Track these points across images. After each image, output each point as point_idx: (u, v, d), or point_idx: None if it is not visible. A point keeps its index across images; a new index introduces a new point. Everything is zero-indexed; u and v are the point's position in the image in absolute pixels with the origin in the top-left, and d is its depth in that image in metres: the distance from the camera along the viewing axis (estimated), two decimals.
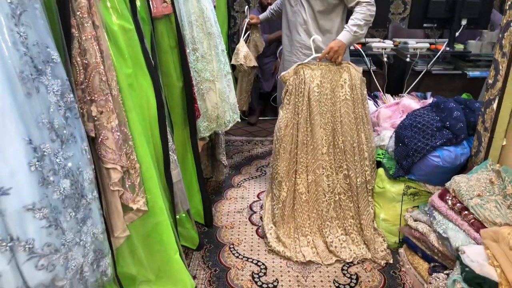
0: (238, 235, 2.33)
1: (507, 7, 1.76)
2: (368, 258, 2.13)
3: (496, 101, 1.81)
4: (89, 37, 0.99)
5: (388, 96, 3.06)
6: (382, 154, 2.34)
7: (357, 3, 2.26)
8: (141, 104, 1.14)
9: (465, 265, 1.50)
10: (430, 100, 2.96)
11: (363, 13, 2.24)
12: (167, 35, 1.38)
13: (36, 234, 0.84)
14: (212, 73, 1.94)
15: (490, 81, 1.87)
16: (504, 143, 1.85)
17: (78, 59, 0.99)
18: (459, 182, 1.83)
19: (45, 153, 0.84)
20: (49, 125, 0.85)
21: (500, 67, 1.79)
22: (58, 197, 0.88)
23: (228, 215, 2.52)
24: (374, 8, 2.26)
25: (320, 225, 2.26)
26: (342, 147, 2.21)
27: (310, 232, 2.25)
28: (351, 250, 2.17)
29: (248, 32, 3.04)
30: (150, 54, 1.20)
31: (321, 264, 2.10)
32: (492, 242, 1.49)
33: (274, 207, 2.31)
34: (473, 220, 1.70)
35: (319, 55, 2.21)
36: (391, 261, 2.11)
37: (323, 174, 2.22)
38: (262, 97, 4.24)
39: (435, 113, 2.17)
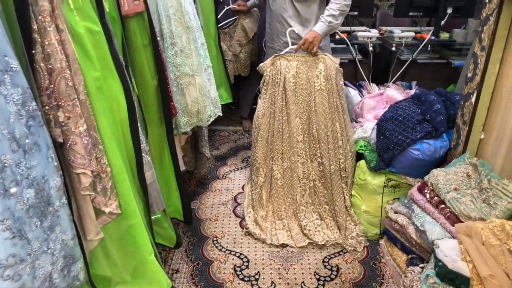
0: (222, 227, 2.35)
1: (487, 0, 1.75)
2: (340, 242, 2.21)
3: (475, 95, 1.82)
4: (53, 41, 0.97)
5: (374, 85, 3.06)
6: (364, 146, 2.35)
7: None
8: (111, 107, 1.12)
9: (439, 259, 1.53)
10: (414, 90, 2.97)
11: (338, 3, 2.25)
12: (140, 33, 1.36)
13: (0, 246, 0.83)
14: (192, 68, 1.92)
15: (469, 75, 1.88)
16: (482, 136, 1.87)
17: (42, 65, 0.97)
18: (437, 175, 1.85)
19: (5, 164, 0.83)
20: (9, 135, 0.84)
21: (479, 61, 1.79)
22: (22, 208, 0.87)
23: (212, 207, 2.53)
24: None
25: (295, 209, 2.36)
26: (316, 135, 2.30)
27: (286, 216, 2.35)
28: (324, 234, 2.25)
29: (236, 17, 3.02)
30: (120, 55, 1.18)
31: (302, 257, 2.13)
32: (466, 237, 1.52)
33: (253, 192, 2.41)
34: (449, 214, 1.73)
35: (294, 46, 2.26)
36: (359, 250, 2.16)
37: (298, 161, 2.33)
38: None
39: (416, 105, 2.18)
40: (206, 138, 2.57)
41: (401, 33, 3.09)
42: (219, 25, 2.80)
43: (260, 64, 2.29)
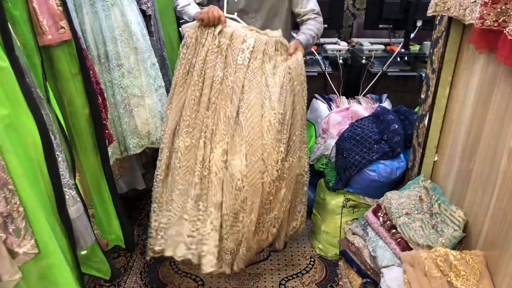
0: None
1: (437, 22, 1.72)
2: None
3: (427, 117, 1.79)
4: None
5: (344, 98, 3.02)
6: (326, 163, 2.32)
7: (310, 18, 2.14)
8: (25, 143, 1.08)
9: None
10: (384, 103, 2.94)
11: (317, 28, 2.09)
12: (67, 61, 1.32)
13: None
14: (141, 89, 1.88)
15: (423, 96, 1.85)
16: (436, 159, 1.84)
17: None
18: (390, 198, 1.82)
19: None
20: None
21: (431, 83, 1.76)
22: None
23: None
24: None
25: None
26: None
27: None
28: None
29: None
30: (39, 88, 1.14)
31: (259, 279, 2.09)
32: (410, 267, 1.48)
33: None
34: (400, 240, 1.70)
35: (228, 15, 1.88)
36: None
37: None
38: None
39: (375, 124, 2.14)
40: None
41: (371, 45, 3.06)
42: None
43: (185, 25, 1.85)
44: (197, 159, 1.74)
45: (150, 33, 2.26)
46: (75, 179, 1.30)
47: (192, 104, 1.76)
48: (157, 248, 1.79)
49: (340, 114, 2.72)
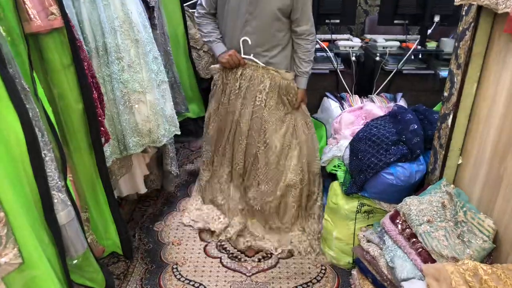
0: (184, 253, 2.18)
1: (464, 13, 1.57)
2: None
3: (451, 116, 1.64)
4: None
5: (356, 97, 2.89)
6: (338, 165, 2.18)
7: (303, 34, 2.09)
8: (7, 141, 0.96)
9: None
10: (399, 102, 2.80)
11: (311, 50, 2.16)
12: (58, 52, 1.20)
13: None
14: (142, 84, 1.76)
15: (446, 94, 1.70)
16: (460, 162, 1.69)
17: None
18: (409, 204, 1.67)
19: None
20: None
21: (455, 80, 1.61)
22: None
23: (177, 229, 2.37)
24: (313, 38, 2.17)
25: None
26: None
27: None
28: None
29: None
30: (25, 79, 1.02)
31: None
32: (434, 281, 1.34)
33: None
34: (421, 250, 1.55)
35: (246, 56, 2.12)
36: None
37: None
38: None
39: (392, 124, 2.00)
40: (172, 154, 2.40)
41: (385, 42, 2.91)
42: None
43: (212, 66, 2.21)
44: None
45: (153, 25, 2.15)
46: (66, 181, 1.18)
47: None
48: None
49: (353, 114, 2.59)
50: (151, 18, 2.12)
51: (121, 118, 1.74)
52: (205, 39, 2.16)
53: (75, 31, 1.29)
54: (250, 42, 2.07)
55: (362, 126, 2.36)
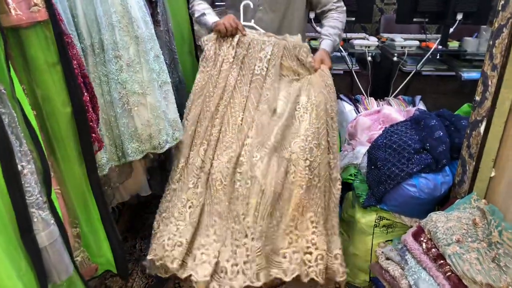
0: None
1: (500, 8, 1.40)
2: None
3: (484, 123, 1.47)
4: None
5: (372, 100, 2.72)
6: (355, 174, 2.02)
7: (330, 10, 1.92)
8: None
9: None
10: (418, 105, 2.62)
11: (342, 21, 1.92)
12: (42, 48, 1.05)
13: None
14: (142, 85, 1.61)
15: (478, 98, 1.53)
16: (493, 174, 1.52)
17: None
18: (436, 221, 1.50)
19: None
20: None
21: (490, 83, 1.44)
22: None
23: None
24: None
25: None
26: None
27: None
28: None
29: None
30: (1, 77, 0.88)
31: None
32: None
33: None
34: (449, 273, 1.39)
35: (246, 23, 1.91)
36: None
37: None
38: None
39: (415, 130, 1.83)
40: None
41: (404, 41, 2.74)
42: None
43: (204, 37, 1.94)
44: (196, 166, 1.71)
45: (156, 22, 2.00)
46: (50, 195, 1.03)
47: (205, 116, 1.80)
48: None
49: (369, 118, 2.42)
50: (154, 14, 1.97)
51: (119, 122, 1.59)
52: (197, 15, 2.00)
53: (64, 26, 1.14)
54: (251, 5, 1.88)
55: (381, 132, 2.20)
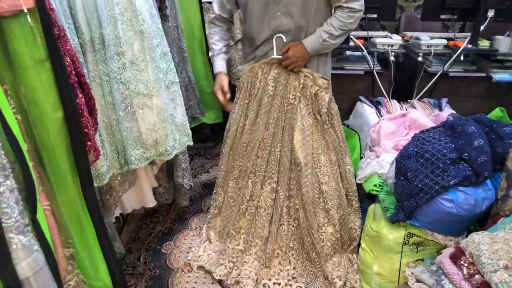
0: (195, 282, 1.87)
1: None
2: None
3: None
4: None
5: (395, 102, 2.54)
6: (380, 185, 1.83)
7: (339, 7, 1.73)
8: None
9: None
10: (445, 110, 2.43)
11: (342, 20, 1.73)
12: (28, 42, 0.89)
13: None
14: (147, 85, 1.45)
15: None
16: None
17: None
18: (478, 243, 1.32)
19: None
20: None
21: None
22: None
23: (188, 252, 2.06)
24: (357, 16, 1.74)
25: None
26: (278, 156, 1.89)
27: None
28: None
29: None
30: None
31: None
32: None
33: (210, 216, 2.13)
34: None
35: (278, 56, 1.82)
36: None
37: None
38: None
39: (450, 138, 1.65)
40: (185, 165, 2.09)
41: (430, 40, 2.54)
42: None
43: (238, 67, 1.95)
44: (245, 197, 1.92)
45: (164, 16, 1.85)
46: (35, 214, 0.87)
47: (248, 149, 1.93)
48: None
49: (394, 122, 2.24)
50: (162, 8, 1.82)
51: (121, 126, 1.43)
52: (210, 53, 2.00)
53: (56, 16, 0.98)
54: (284, 40, 1.76)
55: (407, 138, 2.01)
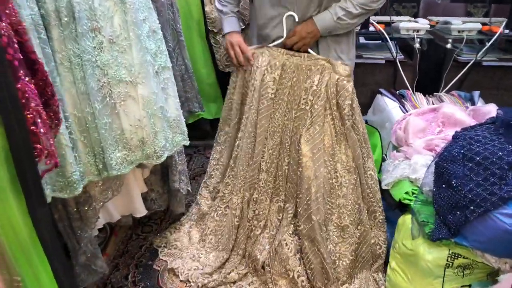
0: None
1: None
2: None
3: None
4: None
5: (420, 96, 2.24)
6: (413, 192, 1.53)
7: None
8: None
9: None
10: (478, 103, 2.13)
11: (361, 2, 1.44)
12: None
13: None
14: (131, 70, 1.15)
15: None
16: None
17: None
18: None
19: None
20: None
21: None
22: None
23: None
24: None
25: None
26: (286, 171, 1.62)
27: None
28: None
29: None
30: None
31: None
32: None
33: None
34: None
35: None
36: None
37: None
38: None
39: (504, 137, 1.34)
40: (181, 167, 1.79)
41: (462, 24, 2.23)
42: None
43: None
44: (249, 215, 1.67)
45: None
46: None
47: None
48: None
49: (423, 118, 1.94)
50: None
51: (98, 122, 1.13)
52: (217, 5, 1.67)
53: None
54: (297, 19, 1.46)
55: (444, 137, 1.71)
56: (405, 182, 1.61)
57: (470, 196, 1.25)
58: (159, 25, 1.24)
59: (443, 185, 1.36)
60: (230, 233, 1.70)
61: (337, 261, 1.58)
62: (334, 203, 1.59)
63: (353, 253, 1.60)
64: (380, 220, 1.69)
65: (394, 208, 1.62)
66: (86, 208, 1.37)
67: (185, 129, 1.36)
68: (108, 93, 1.13)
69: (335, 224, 1.60)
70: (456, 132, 1.50)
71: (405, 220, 1.51)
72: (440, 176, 1.38)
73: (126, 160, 1.20)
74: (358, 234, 1.62)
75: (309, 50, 1.56)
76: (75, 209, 1.35)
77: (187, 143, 1.41)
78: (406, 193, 1.56)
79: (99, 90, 1.11)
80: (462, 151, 1.34)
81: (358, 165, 1.62)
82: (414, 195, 1.52)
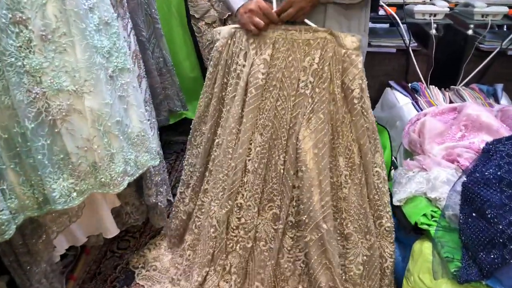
0: None
1: None
2: None
3: None
4: None
5: (435, 90, 1.97)
6: (432, 215, 1.28)
7: None
8: None
9: None
10: (502, 100, 1.86)
11: None
12: None
13: None
14: (73, 76, 0.87)
15: None
16: None
17: None
18: None
19: None
20: None
21: None
22: None
23: None
24: None
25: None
26: (282, 171, 1.34)
27: None
28: None
29: None
30: None
31: None
32: None
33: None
34: None
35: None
36: None
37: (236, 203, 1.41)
38: None
39: None
40: (159, 178, 1.54)
41: (486, 7, 1.93)
42: None
43: (214, 29, 1.36)
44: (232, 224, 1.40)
45: None
46: None
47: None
48: None
49: (441, 119, 1.67)
50: None
51: (32, 144, 0.86)
52: None
53: None
54: None
55: (468, 144, 1.45)
56: (421, 199, 1.36)
57: (509, 232, 1.00)
58: (114, 14, 0.96)
59: (473, 214, 1.10)
60: (205, 245, 1.44)
61: (343, 275, 1.34)
62: (336, 206, 1.33)
63: (360, 267, 1.34)
64: (387, 228, 1.39)
65: (408, 231, 1.36)
66: (34, 241, 1.11)
67: (153, 145, 1.10)
68: (44, 107, 0.86)
69: (338, 232, 1.35)
70: (487, 144, 1.24)
71: (423, 249, 1.26)
72: (469, 201, 1.12)
73: (74, 190, 0.94)
74: (367, 245, 1.36)
75: (306, 20, 1.26)
76: (20, 243, 1.10)
77: (156, 162, 1.15)
78: (425, 215, 1.30)
79: (30, 103, 0.84)
80: (499, 173, 1.08)
81: (366, 162, 1.34)
82: (434, 219, 1.26)
